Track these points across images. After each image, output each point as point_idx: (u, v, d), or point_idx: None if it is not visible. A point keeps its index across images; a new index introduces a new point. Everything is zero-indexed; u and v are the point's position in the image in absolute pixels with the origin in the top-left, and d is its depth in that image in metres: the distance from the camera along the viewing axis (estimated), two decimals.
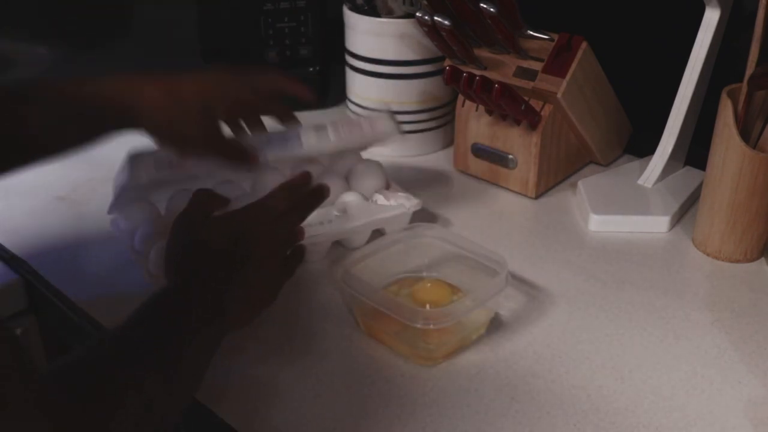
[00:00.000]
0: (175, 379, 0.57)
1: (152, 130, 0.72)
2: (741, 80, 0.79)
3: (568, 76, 0.88)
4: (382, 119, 0.84)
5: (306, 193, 0.72)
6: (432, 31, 0.90)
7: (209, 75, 0.75)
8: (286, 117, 0.81)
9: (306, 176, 0.73)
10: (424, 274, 0.78)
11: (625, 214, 0.89)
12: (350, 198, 0.85)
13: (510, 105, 0.87)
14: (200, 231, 0.67)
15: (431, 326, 0.66)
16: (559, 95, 0.88)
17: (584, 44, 0.89)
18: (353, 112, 0.95)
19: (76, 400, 0.49)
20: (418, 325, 0.66)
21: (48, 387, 0.47)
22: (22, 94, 0.70)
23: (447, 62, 0.96)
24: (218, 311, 0.62)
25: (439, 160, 1.05)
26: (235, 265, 0.65)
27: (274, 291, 0.69)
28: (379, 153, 1.05)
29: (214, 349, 0.62)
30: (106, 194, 0.96)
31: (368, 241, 0.82)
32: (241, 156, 0.76)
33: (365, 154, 0.92)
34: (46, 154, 0.72)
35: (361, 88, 1.04)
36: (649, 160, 0.94)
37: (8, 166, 0.70)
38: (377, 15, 0.99)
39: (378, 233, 0.84)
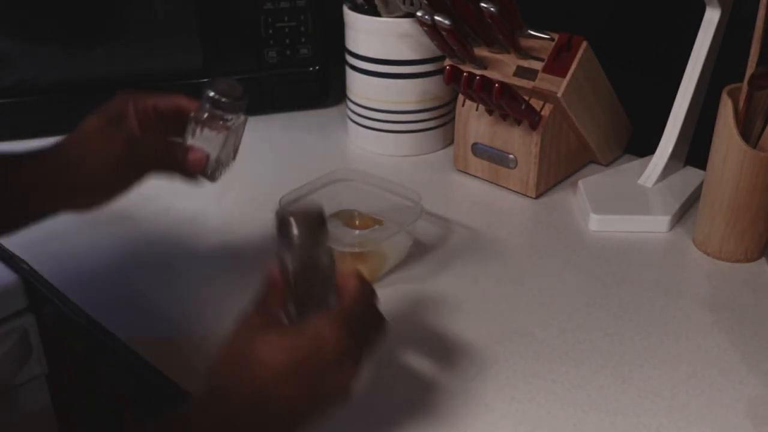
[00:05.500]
0: None
1: (79, 183, 0.66)
2: (741, 80, 0.79)
3: (568, 76, 0.88)
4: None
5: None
6: (432, 30, 0.90)
7: (106, 105, 0.70)
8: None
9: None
10: (356, 212, 0.85)
11: (625, 214, 0.89)
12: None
13: (510, 104, 0.87)
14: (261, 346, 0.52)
15: (356, 249, 0.76)
16: (559, 95, 0.88)
17: (584, 44, 0.89)
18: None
19: None
20: (345, 249, 0.76)
21: None
22: None
23: (447, 62, 0.96)
24: None
25: (439, 160, 1.05)
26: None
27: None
28: (379, 153, 1.06)
29: None
30: None
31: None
32: (177, 157, 0.69)
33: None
34: None
35: (361, 88, 1.04)
36: (649, 160, 0.94)
37: None
38: (377, 14, 0.99)
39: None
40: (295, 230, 0.53)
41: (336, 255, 0.76)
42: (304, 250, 0.54)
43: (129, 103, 0.70)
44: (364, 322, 0.55)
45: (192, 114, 0.71)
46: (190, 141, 0.71)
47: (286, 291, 0.55)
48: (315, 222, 0.54)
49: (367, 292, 0.56)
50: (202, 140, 0.71)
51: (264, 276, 0.56)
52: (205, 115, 0.70)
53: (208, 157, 0.70)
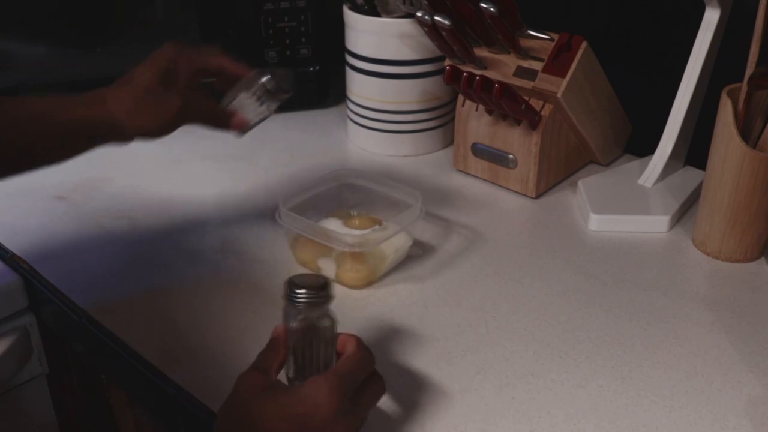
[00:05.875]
0: None
1: (134, 133, 0.72)
2: (741, 80, 0.79)
3: (568, 76, 0.88)
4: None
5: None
6: (432, 30, 0.90)
7: (156, 55, 0.74)
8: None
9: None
10: (353, 212, 0.86)
11: (625, 213, 0.89)
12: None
13: (510, 105, 0.87)
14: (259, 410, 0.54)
15: (356, 249, 0.76)
16: (559, 95, 0.88)
17: (584, 44, 0.89)
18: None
19: None
20: (345, 249, 0.76)
21: None
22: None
23: (447, 62, 0.96)
24: None
25: (439, 160, 1.05)
26: None
27: None
28: (379, 153, 1.06)
29: None
30: (106, 194, 0.96)
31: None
32: (222, 120, 0.76)
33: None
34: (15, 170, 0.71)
35: (361, 88, 1.04)
36: (649, 159, 0.94)
37: None
38: (377, 15, 0.99)
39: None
40: (300, 294, 0.56)
41: (337, 257, 0.77)
42: (307, 313, 0.57)
43: (181, 60, 0.73)
44: (360, 385, 0.56)
45: (240, 84, 0.76)
46: (232, 104, 0.77)
47: (288, 351, 0.58)
48: (319, 287, 0.57)
49: (363, 356, 0.57)
50: (243, 107, 0.77)
51: (271, 336, 0.59)
52: (253, 93, 0.76)
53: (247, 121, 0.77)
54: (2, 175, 0.70)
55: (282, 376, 0.58)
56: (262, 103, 0.77)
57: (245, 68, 0.76)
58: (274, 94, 0.76)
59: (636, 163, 0.98)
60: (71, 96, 0.70)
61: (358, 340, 0.58)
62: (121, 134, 0.71)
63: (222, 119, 0.76)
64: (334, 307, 0.59)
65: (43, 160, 0.71)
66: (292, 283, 0.57)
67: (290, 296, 0.57)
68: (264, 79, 0.75)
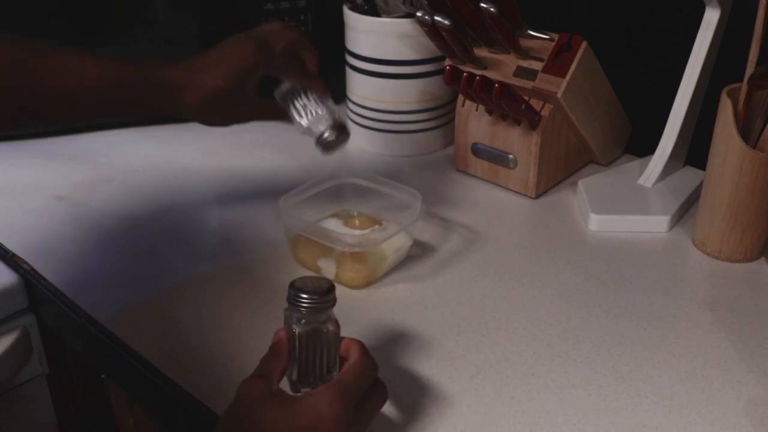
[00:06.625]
0: None
1: (202, 125, 0.78)
2: (741, 80, 0.79)
3: (568, 76, 0.88)
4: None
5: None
6: (432, 30, 0.90)
7: (234, 52, 0.76)
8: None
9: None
10: (355, 212, 0.87)
11: (625, 213, 0.89)
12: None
13: (510, 105, 0.87)
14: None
15: (356, 249, 0.76)
16: (559, 95, 0.88)
17: (584, 44, 0.89)
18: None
19: None
20: (345, 249, 0.76)
21: None
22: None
23: (447, 62, 0.96)
24: None
25: (439, 160, 1.05)
26: None
27: None
28: (379, 153, 1.06)
29: None
30: (106, 194, 0.96)
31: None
32: (277, 118, 0.83)
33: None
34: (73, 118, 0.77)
35: (361, 88, 1.04)
36: (649, 159, 0.94)
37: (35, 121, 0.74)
38: (377, 15, 0.99)
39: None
40: (304, 299, 0.56)
41: (337, 257, 0.77)
42: (312, 318, 0.57)
43: (258, 69, 0.77)
44: (363, 394, 0.56)
45: (299, 88, 0.82)
46: (287, 105, 0.83)
47: (291, 356, 0.58)
48: (323, 292, 0.57)
49: (366, 364, 0.57)
50: (295, 114, 0.83)
51: (273, 340, 0.58)
52: (306, 115, 0.83)
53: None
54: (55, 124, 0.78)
55: (284, 380, 0.58)
56: (308, 123, 0.82)
57: (317, 84, 0.82)
58: (323, 140, 0.82)
59: (636, 163, 0.98)
60: (143, 75, 0.75)
61: (362, 347, 0.58)
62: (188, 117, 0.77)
63: (277, 117, 0.83)
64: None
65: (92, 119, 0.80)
66: (296, 288, 0.57)
67: (294, 301, 0.56)
68: (326, 134, 0.81)
